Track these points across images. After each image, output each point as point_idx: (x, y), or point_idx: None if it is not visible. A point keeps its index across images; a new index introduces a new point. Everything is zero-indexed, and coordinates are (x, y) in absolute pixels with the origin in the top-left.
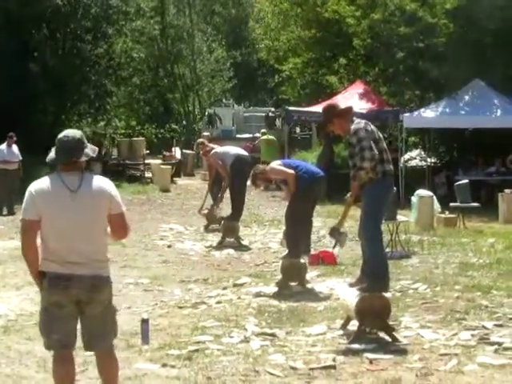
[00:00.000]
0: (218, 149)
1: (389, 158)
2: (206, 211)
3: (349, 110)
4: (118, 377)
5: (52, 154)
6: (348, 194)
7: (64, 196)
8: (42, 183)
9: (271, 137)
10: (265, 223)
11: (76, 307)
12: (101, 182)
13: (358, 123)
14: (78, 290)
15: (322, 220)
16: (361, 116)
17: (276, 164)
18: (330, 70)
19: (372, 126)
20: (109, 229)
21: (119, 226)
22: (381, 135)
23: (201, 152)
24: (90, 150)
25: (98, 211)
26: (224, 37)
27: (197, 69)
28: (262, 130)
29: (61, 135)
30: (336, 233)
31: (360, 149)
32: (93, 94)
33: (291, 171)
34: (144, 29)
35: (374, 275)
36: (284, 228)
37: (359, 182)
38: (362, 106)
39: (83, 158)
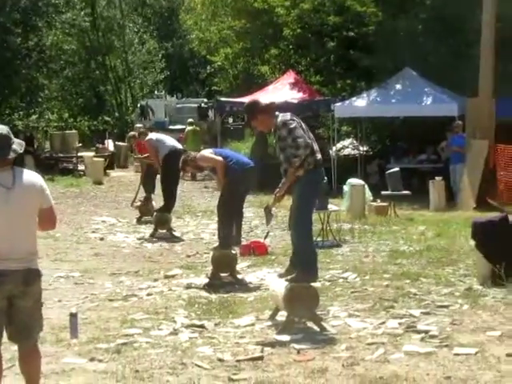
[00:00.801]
0: (154, 135)
1: (317, 148)
2: (138, 203)
3: (272, 105)
4: (40, 372)
5: None
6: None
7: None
8: None
9: (197, 128)
10: (197, 214)
11: (7, 302)
12: (32, 177)
13: (284, 115)
14: (11, 285)
15: (254, 210)
16: (292, 106)
17: (207, 152)
18: (262, 60)
19: (297, 118)
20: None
21: (48, 219)
22: (305, 126)
23: (133, 144)
24: (18, 145)
25: (31, 207)
26: (155, 28)
27: (128, 60)
28: (189, 120)
29: None
30: (267, 210)
31: (293, 139)
32: (24, 87)
33: (220, 159)
34: (74, 21)
35: (303, 266)
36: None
37: (294, 168)
38: (293, 95)
39: (11, 155)
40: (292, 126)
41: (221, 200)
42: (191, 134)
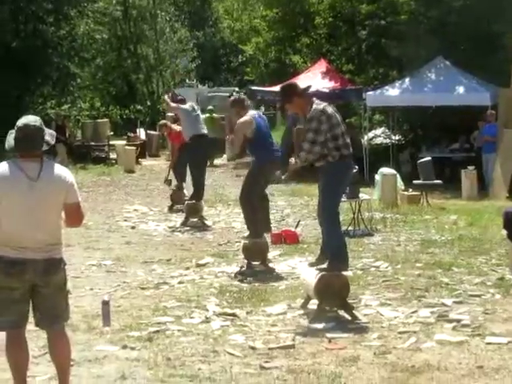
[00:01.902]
0: (185, 109)
1: (346, 142)
2: (172, 187)
3: (308, 89)
4: (70, 359)
5: (11, 142)
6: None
7: (23, 184)
8: (1, 170)
9: (215, 115)
10: (229, 203)
11: (29, 289)
12: (60, 171)
13: (318, 106)
14: (32, 274)
15: (286, 199)
16: (324, 95)
17: (248, 120)
18: (293, 49)
19: (330, 110)
20: (63, 214)
21: (74, 215)
22: (339, 118)
23: (165, 133)
24: (50, 136)
25: (55, 200)
26: (187, 17)
27: (160, 49)
28: (209, 108)
29: (20, 124)
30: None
31: (305, 138)
32: (56, 76)
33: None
34: (106, 10)
35: (333, 255)
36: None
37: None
38: (324, 84)
39: (44, 148)
40: (312, 127)
41: (243, 190)
42: (209, 121)
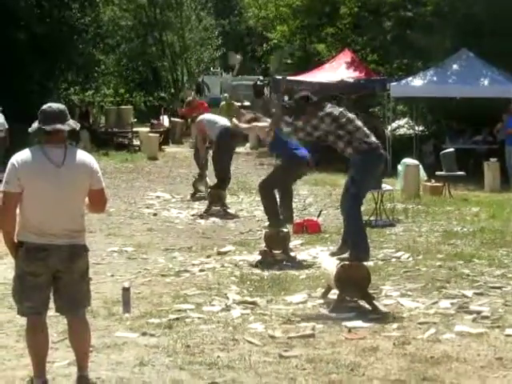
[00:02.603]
0: (206, 116)
1: (366, 132)
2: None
3: (320, 100)
4: (90, 345)
5: (35, 125)
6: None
7: (48, 170)
8: (26, 156)
9: (233, 101)
10: (251, 191)
11: (52, 275)
12: (84, 157)
13: (330, 108)
14: (56, 260)
15: (308, 188)
16: (349, 85)
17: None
18: (318, 38)
19: (338, 111)
20: (87, 200)
21: (98, 201)
22: (350, 115)
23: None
24: (73, 123)
25: (80, 186)
26: (212, 5)
27: (185, 37)
28: (224, 95)
29: (44, 106)
30: None
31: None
32: (81, 63)
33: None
34: None
35: (354, 245)
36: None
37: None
38: (349, 74)
39: (66, 127)
40: (315, 123)
41: (266, 181)
42: (226, 107)
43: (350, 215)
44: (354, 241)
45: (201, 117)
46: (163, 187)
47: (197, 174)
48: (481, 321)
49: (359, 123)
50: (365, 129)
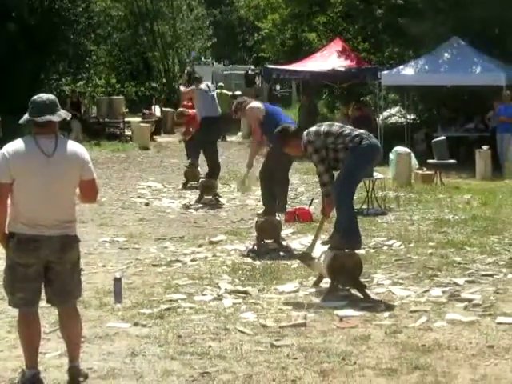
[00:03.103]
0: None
1: (349, 131)
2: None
3: (300, 129)
4: (81, 336)
5: (26, 116)
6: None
7: (39, 160)
8: (17, 146)
9: (225, 91)
10: None
11: (43, 266)
12: (74, 147)
13: (306, 136)
14: (47, 251)
15: (299, 177)
16: (340, 74)
17: (257, 110)
18: (309, 27)
19: (312, 133)
20: (78, 190)
21: (89, 192)
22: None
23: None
24: (63, 113)
25: (71, 176)
26: None
27: (176, 27)
28: (219, 84)
29: (34, 97)
30: (307, 258)
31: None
32: (72, 53)
33: (258, 133)
34: None
35: (346, 233)
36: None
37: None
38: (340, 63)
39: (56, 118)
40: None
41: (264, 166)
42: (219, 97)
43: (342, 203)
44: (347, 229)
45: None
46: (155, 177)
47: (188, 164)
48: (472, 309)
49: (336, 127)
50: (345, 127)
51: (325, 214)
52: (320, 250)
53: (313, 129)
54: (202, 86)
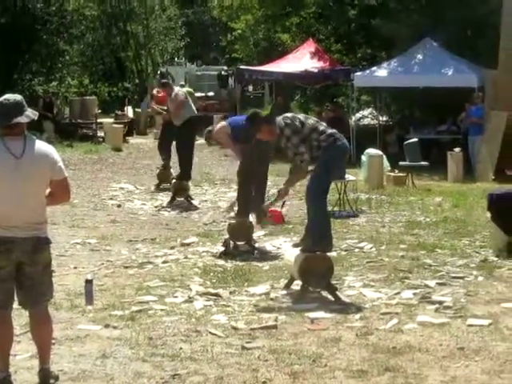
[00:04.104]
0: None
1: (324, 128)
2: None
3: (272, 115)
4: (52, 338)
5: None
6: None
7: (8, 162)
8: None
9: (190, 89)
10: (215, 182)
11: (15, 268)
12: (44, 147)
13: (282, 119)
14: (19, 252)
15: (272, 179)
16: (312, 75)
17: (222, 130)
18: (283, 27)
19: (289, 118)
20: (48, 192)
21: (62, 192)
22: (301, 116)
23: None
24: (31, 113)
25: (41, 177)
26: None
27: (149, 27)
28: (181, 83)
29: (0, 99)
30: (263, 208)
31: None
32: (45, 53)
33: (231, 144)
34: None
35: (317, 235)
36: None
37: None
38: (313, 65)
39: (25, 119)
40: (289, 132)
41: (241, 165)
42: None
43: (315, 206)
44: (319, 231)
45: (177, 90)
46: (127, 178)
47: (161, 166)
48: (443, 311)
49: (312, 121)
50: (320, 123)
51: (290, 181)
52: (292, 252)
53: (288, 114)
54: (180, 92)
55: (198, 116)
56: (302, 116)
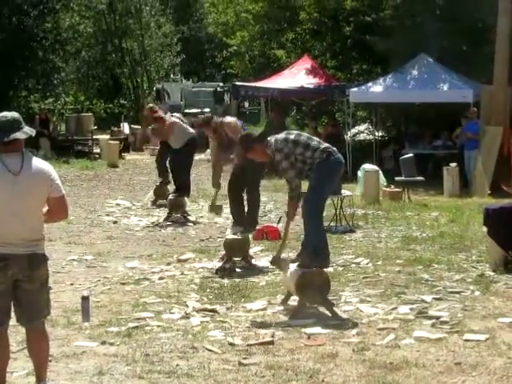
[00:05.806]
0: (179, 121)
1: (316, 144)
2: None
3: (265, 135)
4: (49, 355)
5: None
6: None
7: (6, 179)
8: None
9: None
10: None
11: (12, 284)
12: (41, 165)
13: (275, 141)
14: (16, 269)
15: (268, 194)
16: (308, 91)
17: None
18: (278, 43)
19: (280, 140)
20: (45, 209)
21: (59, 209)
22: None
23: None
24: (28, 129)
25: (38, 194)
26: (172, 11)
27: (145, 44)
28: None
29: None
30: (278, 261)
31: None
32: (40, 70)
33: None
34: (91, 3)
35: (314, 251)
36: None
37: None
38: (309, 80)
39: (23, 135)
40: (278, 159)
41: (231, 178)
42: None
43: (310, 220)
44: (315, 247)
45: (174, 119)
46: (123, 195)
47: (158, 182)
48: (440, 326)
49: (304, 138)
50: (313, 139)
51: (289, 216)
52: (289, 268)
53: (281, 136)
54: (176, 119)
55: (196, 137)
56: (294, 135)
